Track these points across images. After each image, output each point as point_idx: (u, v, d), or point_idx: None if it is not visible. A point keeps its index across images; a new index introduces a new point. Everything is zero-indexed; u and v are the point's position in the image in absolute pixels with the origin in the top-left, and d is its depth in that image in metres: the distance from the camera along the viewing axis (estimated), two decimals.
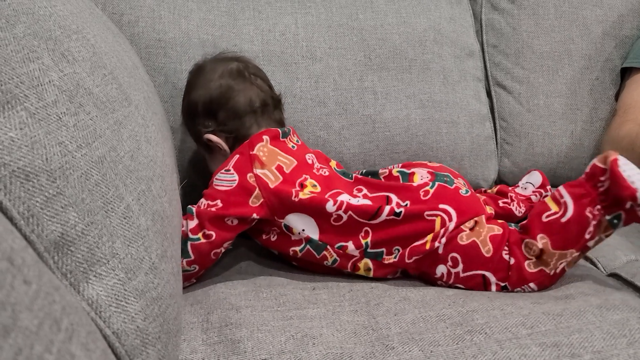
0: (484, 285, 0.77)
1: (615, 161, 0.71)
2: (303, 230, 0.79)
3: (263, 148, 0.83)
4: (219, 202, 0.77)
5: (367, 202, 0.80)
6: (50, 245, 0.42)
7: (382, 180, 0.88)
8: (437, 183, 0.82)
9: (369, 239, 0.79)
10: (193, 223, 0.76)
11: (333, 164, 0.94)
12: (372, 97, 1.11)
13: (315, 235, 0.80)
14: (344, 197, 0.80)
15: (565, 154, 1.21)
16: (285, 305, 0.72)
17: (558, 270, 0.75)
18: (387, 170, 0.90)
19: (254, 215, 0.78)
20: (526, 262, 0.75)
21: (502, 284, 0.76)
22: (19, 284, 0.28)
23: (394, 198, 0.81)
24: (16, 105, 0.43)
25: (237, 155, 0.82)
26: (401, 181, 0.86)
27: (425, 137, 1.12)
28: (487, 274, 0.76)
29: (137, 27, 1.01)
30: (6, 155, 0.40)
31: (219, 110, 0.87)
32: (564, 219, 0.74)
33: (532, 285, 0.75)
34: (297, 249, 0.81)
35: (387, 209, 0.78)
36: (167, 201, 0.59)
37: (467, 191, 0.84)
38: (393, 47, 1.13)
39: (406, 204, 0.80)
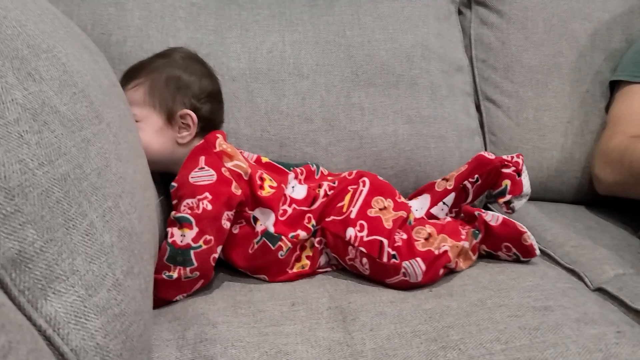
0: (379, 250, 0.82)
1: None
2: (264, 223, 0.85)
3: (224, 143, 0.88)
4: (208, 195, 0.79)
5: (304, 192, 0.91)
6: (7, 262, 0.42)
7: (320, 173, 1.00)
8: (357, 169, 0.98)
9: (313, 222, 0.88)
10: (193, 232, 0.77)
11: (265, 159, 0.97)
12: (360, 113, 1.11)
13: (271, 227, 0.85)
14: (289, 191, 0.90)
15: (556, 167, 1.20)
16: (262, 322, 0.72)
17: (442, 251, 0.82)
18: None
19: (240, 202, 0.83)
20: (416, 242, 0.83)
21: (392, 252, 0.81)
22: None
23: (325, 184, 0.93)
24: None
25: (203, 156, 0.84)
26: (321, 171, 1.01)
27: (413, 153, 1.12)
28: (384, 241, 0.83)
29: (125, 47, 1.03)
30: None
31: (211, 93, 0.93)
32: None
33: (419, 260, 0.81)
34: (255, 241, 0.85)
35: (321, 192, 0.90)
36: (136, 218, 0.59)
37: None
38: (380, 63, 1.14)
39: (335, 183, 0.93)
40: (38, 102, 0.50)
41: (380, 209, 0.88)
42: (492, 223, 0.88)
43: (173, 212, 0.80)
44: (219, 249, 0.82)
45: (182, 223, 0.78)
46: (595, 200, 1.20)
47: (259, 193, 0.85)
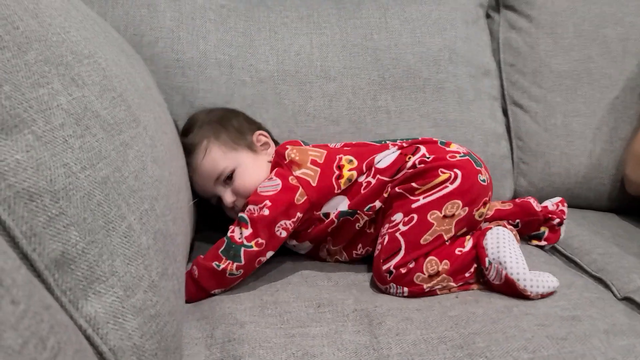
0: (391, 254, 0.83)
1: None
2: (337, 208, 0.88)
3: (293, 150, 0.92)
4: (267, 202, 0.83)
5: (392, 158, 0.89)
6: (51, 263, 0.44)
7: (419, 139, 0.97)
8: (467, 158, 0.89)
9: (389, 191, 0.88)
10: (248, 231, 0.82)
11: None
12: (386, 116, 1.12)
13: (344, 207, 0.88)
14: (377, 159, 0.90)
15: (584, 174, 1.19)
16: (289, 323, 0.73)
17: (432, 289, 0.82)
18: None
19: (298, 215, 0.85)
20: (416, 275, 0.81)
21: (392, 270, 0.82)
22: (6, 304, 0.30)
23: (423, 150, 0.89)
24: (24, 129, 0.45)
25: (276, 168, 0.91)
26: (439, 144, 0.93)
27: None
28: (401, 253, 0.82)
29: (157, 48, 1.05)
30: (12, 176, 0.42)
31: (242, 114, 1.02)
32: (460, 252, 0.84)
33: (405, 290, 0.81)
34: (333, 226, 0.90)
35: (409, 163, 0.87)
36: (171, 220, 0.61)
37: (485, 180, 0.88)
38: (407, 67, 1.14)
39: (430, 158, 0.88)
40: (81, 107, 0.52)
41: (444, 217, 0.84)
42: (496, 282, 0.81)
43: (240, 213, 0.85)
44: (269, 254, 0.84)
45: (241, 222, 0.83)
46: (624, 208, 1.19)
47: (336, 192, 0.88)
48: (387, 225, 0.87)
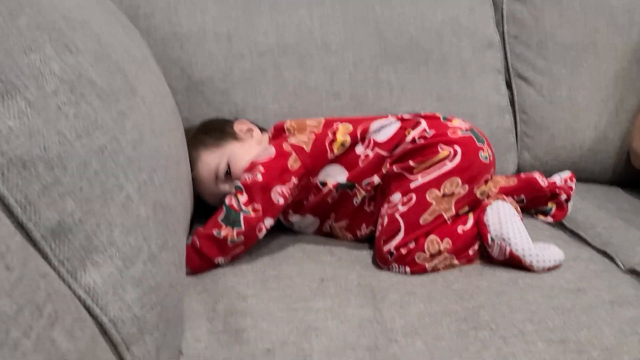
0: (391, 235, 0.82)
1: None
2: (335, 178, 0.87)
3: (291, 122, 0.94)
4: (260, 168, 0.83)
5: (391, 132, 0.87)
6: (47, 233, 0.42)
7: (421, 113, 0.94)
8: (469, 134, 0.86)
9: (387, 167, 0.86)
10: (244, 198, 0.82)
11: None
12: (388, 90, 1.10)
13: (343, 179, 0.87)
14: (370, 135, 0.88)
15: (589, 147, 1.18)
16: (291, 297, 0.72)
17: (434, 268, 0.80)
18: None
19: (293, 180, 0.84)
20: (417, 254, 0.80)
21: (392, 251, 0.81)
22: (0, 270, 0.29)
23: (423, 124, 0.87)
24: (15, 95, 0.43)
25: (273, 140, 0.93)
26: (441, 119, 0.90)
27: None
28: (400, 234, 0.81)
29: (153, 20, 1.02)
30: (4, 143, 0.41)
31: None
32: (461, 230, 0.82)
33: (407, 269, 0.80)
34: (332, 198, 0.89)
35: (409, 137, 0.85)
36: (170, 191, 0.59)
37: (486, 157, 0.85)
38: (409, 39, 1.12)
39: (430, 133, 0.85)
40: (75, 74, 0.50)
41: (442, 196, 0.82)
42: (499, 258, 0.81)
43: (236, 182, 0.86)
44: (268, 222, 0.83)
45: (237, 190, 0.83)
46: (629, 181, 1.18)
47: (328, 156, 0.87)
48: (386, 206, 0.86)
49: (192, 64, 1.03)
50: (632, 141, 1.11)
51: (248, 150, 0.92)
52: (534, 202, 0.97)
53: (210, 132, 0.95)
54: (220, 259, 0.81)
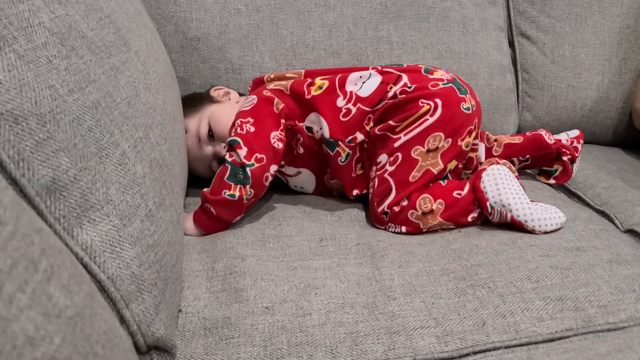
0: (384, 195, 0.82)
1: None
2: (320, 129, 0.86)
3: (268, 74, 0.94)
4: (249, 119, 0.83)
5: (373, 87, 0.85)
6: (42, 190, 0.42)
7: (404, 66, 0.91)
8: (450, 85, 0.84)
9: (371, 124, 0.85)
10: (243, 151, 0.80)
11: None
12: (388, 48, 1.07)
13: (326, 133, 0.85)
14: (350, 87, 0.86)
15: (590, 107, 1.16)
16: (290, 256, 0.72)
17: (429, 229, 0.81)
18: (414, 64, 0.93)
19: (282, 122, 0.85)
20: (410, 212, 0.80)
21: (387, 210, 0.81)
22: None
23: (404, 79, 0.85)
24: (4, 47, 0.42)
25: (252, 92, 0.92)
26: (422, 71, 0.88)
27: None
28: (392, 193, 0.82)
29: None
30: None
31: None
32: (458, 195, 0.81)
33: (403, 228, 0.81)
34: (318, 145, 0.88)
35: (391, 93, 0.83)
36: (166, 149, 0.58)
37: (469, 108, 0.84)
38: None
39: (411, 87, 0.83)
40: (65, 26, 0.48)
41: (427, 151, 0.82)
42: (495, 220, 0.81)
43: (228, 139, 0.84)
44: (273, 169, 0.83)
45: (233, 145, 0.81)
46: (629, 142, 1.17)
47: (306, 97, 0.86)
48: (374, 168, 0.85)
49: (187, 20, 1.00)
50: (635, 102, 1.09)
51: (228, 109, 0.91)
52: (538, 160, 0.95)
53: (187, 102, 0.94)
54: (238, 218, 0.82)
